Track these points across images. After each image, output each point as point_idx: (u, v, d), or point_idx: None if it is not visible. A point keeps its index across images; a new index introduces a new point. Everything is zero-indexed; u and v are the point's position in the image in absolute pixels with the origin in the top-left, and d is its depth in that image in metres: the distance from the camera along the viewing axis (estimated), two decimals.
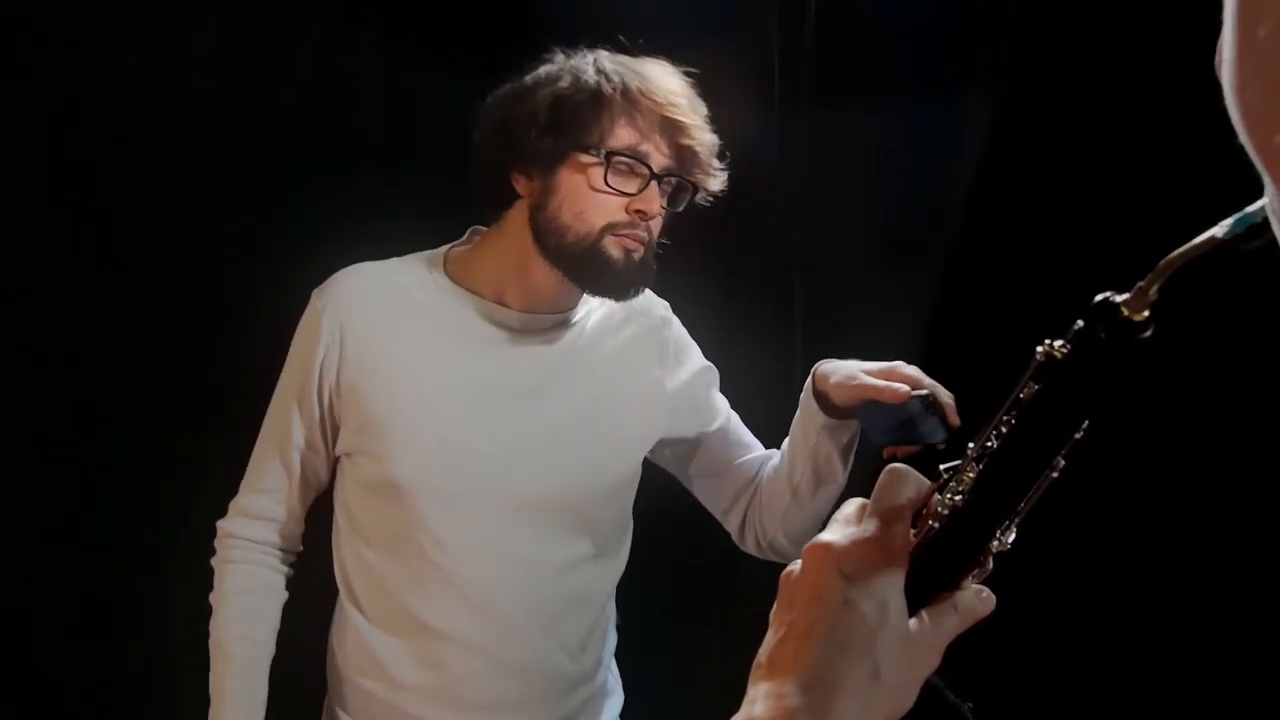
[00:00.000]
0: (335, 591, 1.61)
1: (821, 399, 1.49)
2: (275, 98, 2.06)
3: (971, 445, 0.63)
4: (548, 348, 1.54)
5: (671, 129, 1.47)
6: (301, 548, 1.63)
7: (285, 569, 1.60)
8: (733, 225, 2.23)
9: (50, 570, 2.08)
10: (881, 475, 0.65)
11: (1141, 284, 0.57)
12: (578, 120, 1.45)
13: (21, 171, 2.05)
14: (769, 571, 2.14)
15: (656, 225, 1.50)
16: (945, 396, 1.42)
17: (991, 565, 0.64)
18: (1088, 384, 0.59)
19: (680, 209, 1.54)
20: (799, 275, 2.20)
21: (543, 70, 1.50)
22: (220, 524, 1.60)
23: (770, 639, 0.63)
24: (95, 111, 2.06)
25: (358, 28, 2.08)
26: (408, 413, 1.48)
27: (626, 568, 1.65)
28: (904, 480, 0.65)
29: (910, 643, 0.61)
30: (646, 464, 1.66)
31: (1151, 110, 1.92)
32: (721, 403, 1.68)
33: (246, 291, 2.03)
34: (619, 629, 1.69)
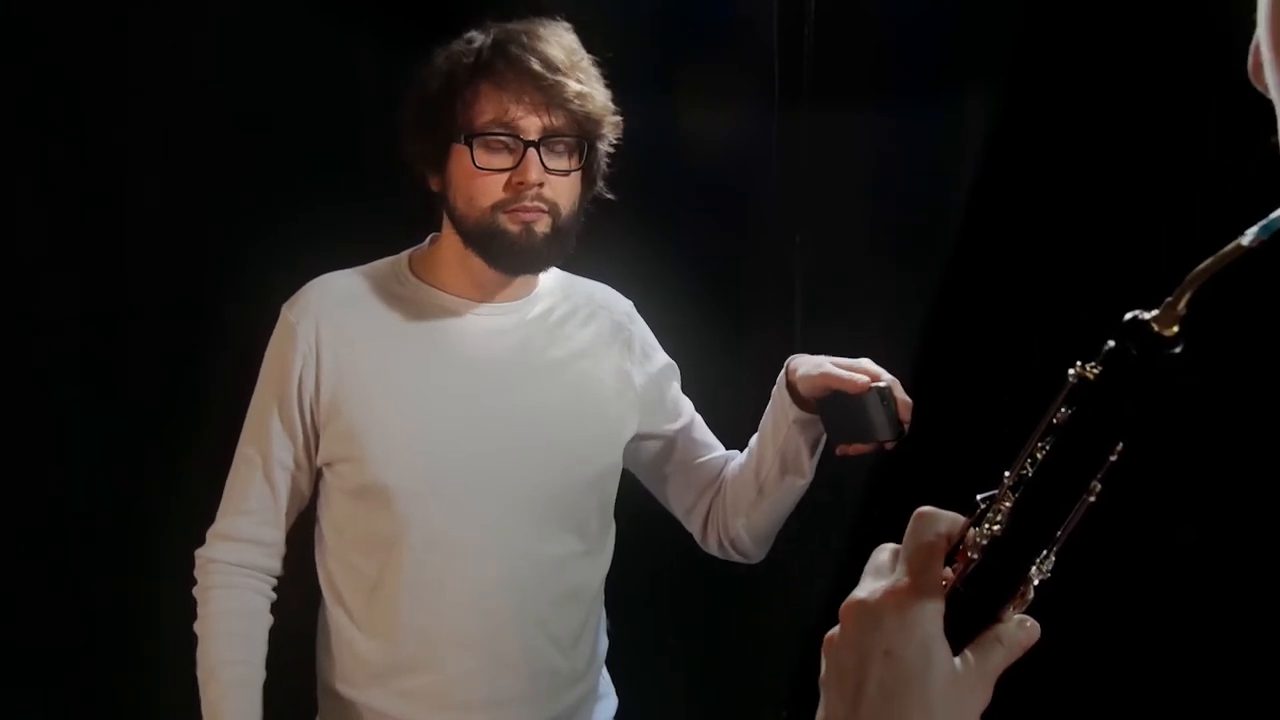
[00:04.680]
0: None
1: (792, 391, 1.50)
2: (275, 98, 2.06)
3: (1007, 474, 0.62)
4: (519, 342, 1.55)
5: (543, 91, 1.43)
6: (281, 572, 1.58)
7: (270, 594, 1.56)
8: (733, 225, 2.24)
9: (42, 572, 2.08)
10: (911, 521, 0.65)
11: (1170, 299, 0.57)
12: (440, 114, 1.46)
13: (21, 172, 2.05)
14: (762, 579, 2.15)
15: (558, 191, 1.47)
16: (901, 394, 1.43)
17: (1032, 595, 0.64)
18: (1122, 403, 0.59)
19: (582, 166, 1.50)
20: (799, 275, 2.20)
21: (426, 65, 1.51)
22: (200, 552, 1.56)
23: (823, 705, 0.63)
24: (95, 112, 2.06)
25: (358, 28, 2.08)
26: (389, 415, 1.49)
27: (619, 572, 1.65)
28: (933, 521, 0.64)
29: (960, 683, 0.60)
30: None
31: (1151, 110, 1.92)
32: (685, 401, 1.68)
33: (244, 293, 2.03)
34: (610, 634, 1.68)
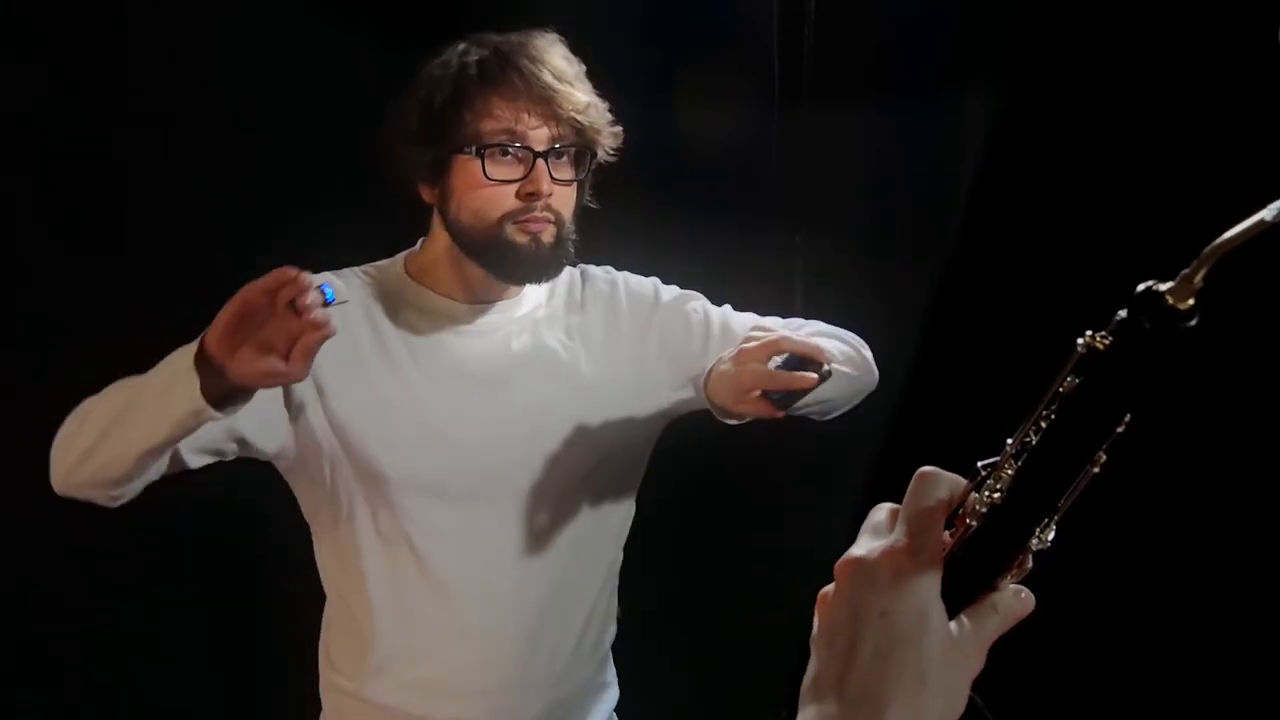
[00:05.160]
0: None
1: (730, 414, 1.44)
2: (275, 98, 2.06)
3: (1010, 441, 0.61)
4: (507, 339, 1.55)
5: (546, 101, 1.43)
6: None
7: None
8: (733, 225, 2.24)
9: (42, 572, 2.08)
10: (912, 480, 0.63)
11: (1186, 271, 0.55)
12: (445, 124, 1.45)
13: (21, 172, 2.05)
14: (762, 579, 2.15)
15: (563, 200, 1.47)
16: (805, 351, 1.36)
17: (1031, 564, 0.63)
18: (1131, 375, 0.57)
19: (584, 176, 1.50)
20: (799, 275, 2.21)
21: (420, 75, 1.49)
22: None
23: (813, 663, 0.62)
24: (95, 111, 2.06)
25: (358, 28, 2.08)
26: (386, 410, 1.49)
27: (626, 561, 1.64)
28: (935, 483, 0.63)
29: (955, 648, 0.60)
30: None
31: (1151, 110, 1.92)
32: (705, 319, 1.58)
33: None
34: (619, 622, 1.67)
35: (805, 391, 1.36)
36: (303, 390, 1.47)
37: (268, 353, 1.23)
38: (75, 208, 2.08)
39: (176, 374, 1.28)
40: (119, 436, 1.33)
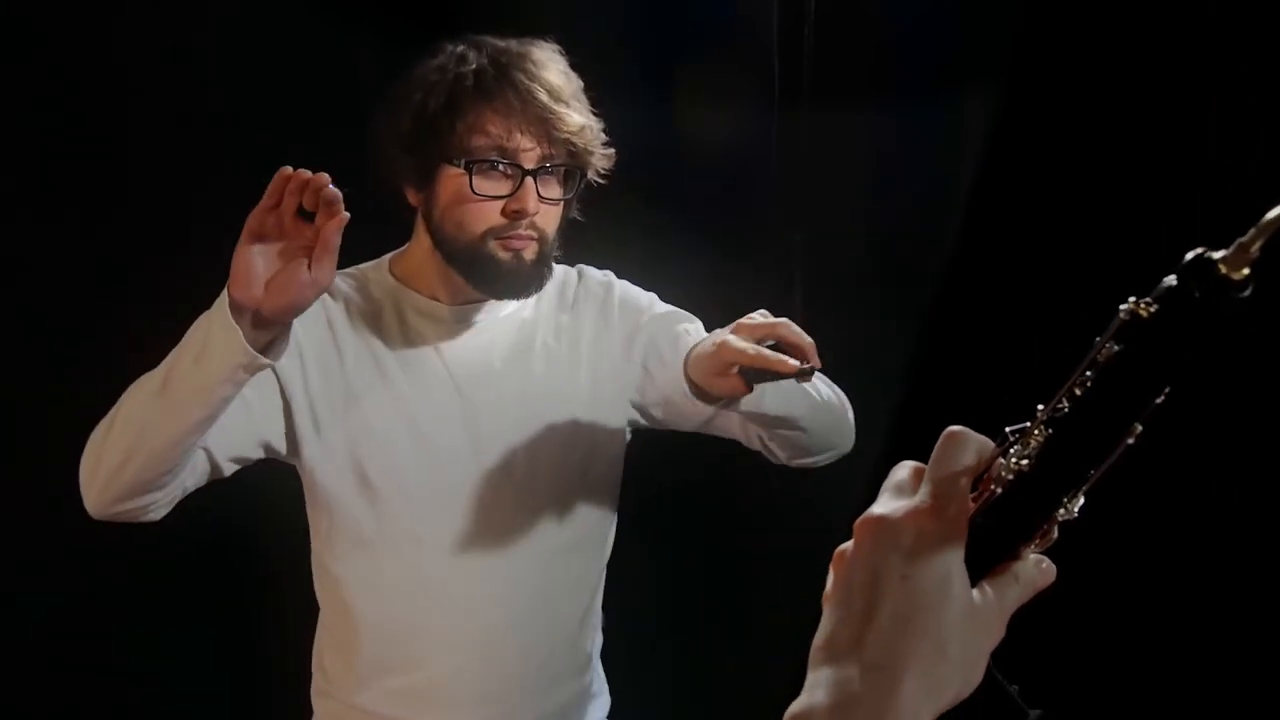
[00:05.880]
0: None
1: (703, 394, 1.38)
2: (274, 98, 2.06)
3: (1041, 407, 0.59)
4: (491, 340, 1.54)
5: (541, 121, 1.42)
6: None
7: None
8: (733, 225, 2.24)
9: (43, 573, 2.08)
10: (940, 440, 0.61)
11: (1243, 240, 0.53)
12: (437, 133, 1.43)
13: (20, 172, 2.05)
14: (761, 579, 2.14)
15: (548, 218, 1.46)
16: (801, 344, 1.31)
17: (1056, 534, 0.60)
18: (1177, 345, 0.55)
19: (571, 195, 1.49)
20: (799, 275, 2.20)
21: (414, 74, 1.47)
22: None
23: (827, 622, 0.60)
24: (94, 111, 2.06)
25: (358, 28, 2.08)
26: (371, 414, 1.48)
27: (615, 570, 1.63)
28: (963, 445, 0.61)
29: (975, 617, 0.58)
30: (640, 462, 1.63)
31: (1151, 110, 1.92)
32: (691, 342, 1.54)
33: None
34: (605, 631, 1.67)
35: (777, 375, 1.30)
36: (293, 392, 1.47)
37: (292, 275, 1.26)
38: (75, 207, 2.08)
39: (211, 335, 1.28)
40: (162, 421, 1.31)
